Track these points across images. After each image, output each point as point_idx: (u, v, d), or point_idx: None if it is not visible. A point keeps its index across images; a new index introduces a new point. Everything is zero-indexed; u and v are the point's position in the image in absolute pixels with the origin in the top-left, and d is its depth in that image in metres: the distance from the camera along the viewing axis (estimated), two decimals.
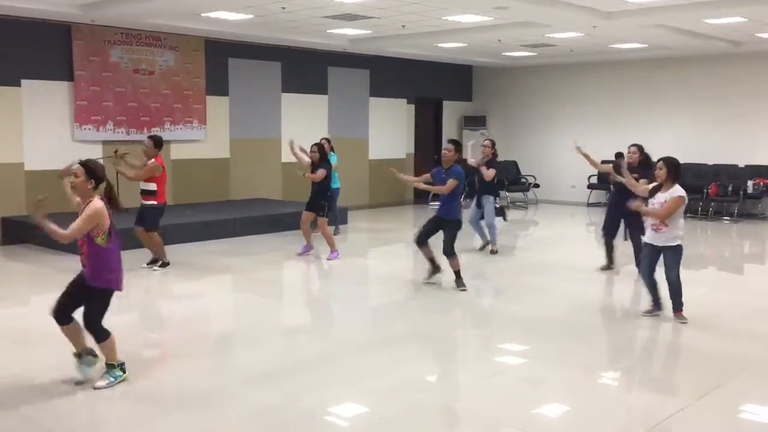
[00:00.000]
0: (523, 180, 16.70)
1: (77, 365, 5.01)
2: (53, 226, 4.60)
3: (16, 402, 4.68)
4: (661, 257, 6.63)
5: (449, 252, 7.90)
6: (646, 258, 6.75)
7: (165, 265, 8.82)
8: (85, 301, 4.87)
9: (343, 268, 9.42)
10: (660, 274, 6.73)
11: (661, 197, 6.49)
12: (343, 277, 9.11)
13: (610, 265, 8.99)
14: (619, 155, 14.97)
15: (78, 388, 4.86)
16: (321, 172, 9.38)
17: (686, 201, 6.49)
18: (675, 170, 6.48)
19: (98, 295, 4.86)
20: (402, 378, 5.26)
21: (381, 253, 11.21)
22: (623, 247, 9.14)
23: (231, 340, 6.47)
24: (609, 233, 8.87)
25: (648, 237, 6.68)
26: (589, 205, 16.26)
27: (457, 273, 7.96)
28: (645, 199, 6.86)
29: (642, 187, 7.02)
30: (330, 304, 8.08)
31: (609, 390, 5.29)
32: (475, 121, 17.66)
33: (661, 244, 6.55)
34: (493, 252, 10.17)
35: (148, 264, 8.83)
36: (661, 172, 6.50)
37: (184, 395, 4.84)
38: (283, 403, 4.76)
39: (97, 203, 4.75)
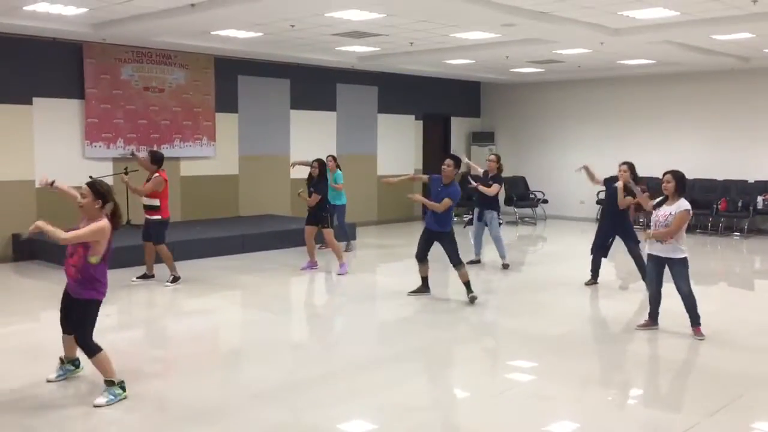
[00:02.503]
0: (531, 196, 16.69)
1: (58, 367, 5.33)
2: (51, 228, 4.63)
3: (24, 415, 4.70)
4: (667, 270, 6.63)
5: (458, 262, 7.96)
6: (652, 270, 6.76)
7: (176, 279, 8.86)
8: (73, 315, 4.99)
9: (351, 284, 9.42)
10: (670, 288, 6.71)
11: (666, 210, 6.50)
12: (351, 293, 9.11)
13: (594, 280, 9.04)
14: None
15: (87, 404, 4.87)
16: (314, 198, 9.57)
17: (691, 214, 6.52)
18: (682, 183, 6.55)
19: (83, 306, 4.92)
20: (410, 394, 5.25)
21: (389, 269, 11.20)
22: (629, 265, 9.08)
23: (239, 355, 6.47)
24: (595, 251, 8.97)
25: (651, 248, 6.67)
26: (598, 220, 16.19)
27: (467, 284, 8.00)
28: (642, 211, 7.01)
29: (648, 202, 6.95)
30: (338, 320, 8.07)
31: (619, 407, 5.25)
32: (484, 137, 17.69)
33: (664, 255, 6.56)
34: (505, 267, 10.17)
35: (138, 278, 8.94)
36: (669, 185, 6.52)
37: (192, 411, 4.84)
38: (290, 419, 4.75)
39: (105, 222, 4.82)
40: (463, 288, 8.08)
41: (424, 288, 8.34)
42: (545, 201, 16.53)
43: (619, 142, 15.90)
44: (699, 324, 6.64)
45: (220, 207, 13.15)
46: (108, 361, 4.94)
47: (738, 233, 14.03)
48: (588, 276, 9.10)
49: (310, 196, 9.65)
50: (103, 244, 4.82)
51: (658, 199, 6.70)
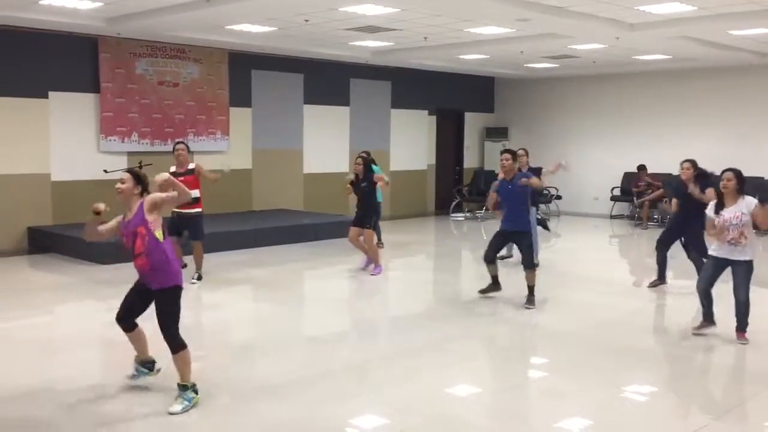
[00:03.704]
0: (545, 192, 16.59)
1: (135, 366, 5.12)
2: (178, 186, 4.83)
3: (40, 409, 4.73)
4: (726, 273, 6.36)
5: (530, 264, 7.71)
6: (710, 271, 6.43)
7: (200, 277, 8.83)
8: (157, 309, 4.79)
9: (365, 279, 9.42)
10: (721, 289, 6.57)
11: (734, 210, 6.19)
12: (364, 289, 9.11)
13: (662, 280, 8.65)
14: (641, 168, 14.98)
15: (99, 397, 4.90)
16: (379, 177, 9.32)
17: None
18: (743, 181, 6.26)
19: (167, 296, 4.77)
20: (423, 390, 5.25)
21: (402, 264, 11.19)
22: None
23: (251, 350, 6.48)
24: (662, 248, 8.51)
25: (718, 251, 6.33)
26: (612, 217, 16.13)
27: (531, 288, 7.74)
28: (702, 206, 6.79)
29: (709, 195, 6.65)
30: (351, 315, 8.08)
31: (633, 405, 5.22)
32: (497, 133, 17.63)
33: (731, 258, 6.26)
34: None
35: (195, 279, 8.70)
36: (730, 184, 6.21)
37: (203, 405, 4.85)
38: (303, 414, 4.76)
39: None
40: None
41: (495, 286, 8.04)
42: (559, 197, 16.46)
43: (633, 138, 15.81)
44: (745, 330, 6.41)
45: (233, 201, 13.18)
46: (189, 362, 4.80)
47: (754, 230, 13.88)
48: (654, 276, 8.65)
49: (359, 196, 9.37)
50: (159, 217, 4.79)
51: (713, 203, 6.38)
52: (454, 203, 16.37)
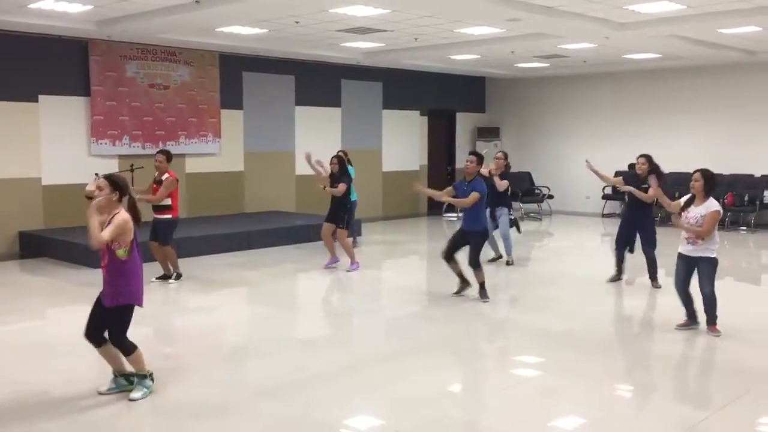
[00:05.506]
0: (537, 191, 16.66)
1: (112, 380, 5.06)
2: (95, 224, 4.65)
3: (32, 414, 4.72)
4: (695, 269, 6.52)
5: (476, 264, 7.91)
6: (681, 270, 6.59)
7: (179, 276, 8.88)
8: (108, 321, 4.89)
9: (358, 280, 9.42)
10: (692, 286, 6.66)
11: (696, 212, 6.36)
12: (358, 289, 9.12)
13: (619, 276, 8.90)
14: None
15: (94, 401, 4.89)
16: (342, 187, 9.45)
17: (721, 214, 6.43)
18: (712, 182, 6.41)
19: (117, 313, 4.87)
20: (418, 390, 5.25)
21: (395, 264, 11.21)
22: (637, 259, 9.06)
23: (246, 352, 6.48)
24: (620, 245, 8.79)
25: (682, 248, 6.52)
26: (603, 215, 16.18)
27: (482, 284, 7.97)
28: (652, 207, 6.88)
29: (674, 203, 6.77)
30: (345, 316, 8.08)
31: (628, 402, 5.25)
32: (489, 133, 17.66)
33: (696, 255, 6.43)
34: (509, 263, 10.17)
35: (157, 278, 8.85)
36: (697, 184, 6.37)
37: (198, 408, 4.85)
38: (299, 415, 4.76)
39: (125, 215, 4.81)
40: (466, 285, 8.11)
41: (463, 284, 8.16)
42: (551, 196, 16.49)
43: (624, 136, 15.85)
44: (715, 323, 6.56)
45: (225, 204, 13.17)
46: (142, 356, 4.97)
47: (744, 228, 13.99)
48: (611, 272, 8.90)
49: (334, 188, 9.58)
50: (127, 236, 4.80)
51: (684, 199, 6.53)
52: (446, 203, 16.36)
